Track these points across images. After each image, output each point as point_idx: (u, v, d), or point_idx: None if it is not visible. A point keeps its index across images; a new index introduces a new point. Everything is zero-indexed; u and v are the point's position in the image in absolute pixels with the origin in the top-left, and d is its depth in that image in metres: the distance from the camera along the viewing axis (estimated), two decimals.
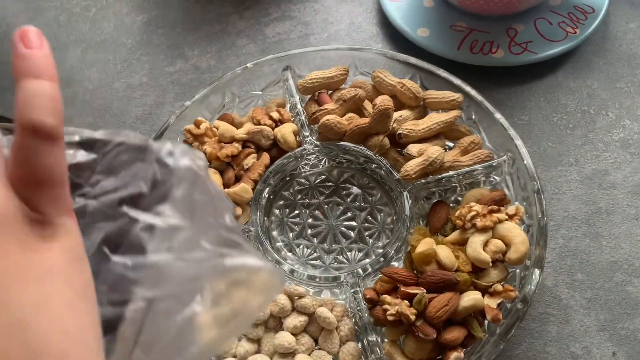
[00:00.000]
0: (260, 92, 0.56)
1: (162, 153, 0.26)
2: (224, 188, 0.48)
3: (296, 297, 0.43)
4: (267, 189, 0.49)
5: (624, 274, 0.46)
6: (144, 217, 0.25)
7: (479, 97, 0.50)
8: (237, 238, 0.27)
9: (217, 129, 0.51)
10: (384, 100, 0.49)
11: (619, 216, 0.49)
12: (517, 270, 0.44)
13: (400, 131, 0.49)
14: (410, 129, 0.49)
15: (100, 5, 0.69)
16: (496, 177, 0.49)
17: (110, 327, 0.24)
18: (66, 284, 0.22)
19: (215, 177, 0.48)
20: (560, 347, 0.44)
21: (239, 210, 0.47)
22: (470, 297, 0.41)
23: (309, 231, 0.50)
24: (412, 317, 0.40)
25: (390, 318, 0.41)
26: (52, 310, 0.21)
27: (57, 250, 0.23)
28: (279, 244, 0.49)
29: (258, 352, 0.43)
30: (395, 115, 0.50)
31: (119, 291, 0.24)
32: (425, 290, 0.41)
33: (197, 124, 0.51)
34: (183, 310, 0.25)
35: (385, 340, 0.43)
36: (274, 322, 0.44)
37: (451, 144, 0.51)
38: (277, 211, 0.51)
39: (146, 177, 0.26)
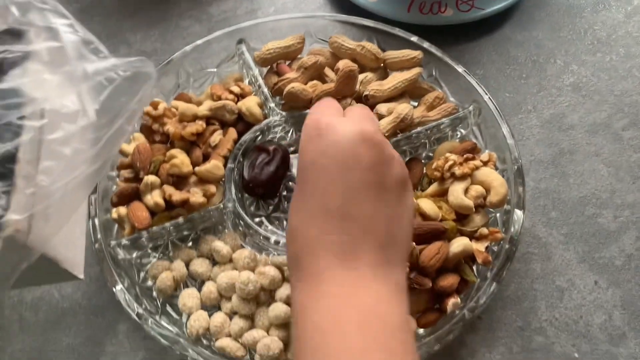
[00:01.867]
0: (215, 69, 0.54)
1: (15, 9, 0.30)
2: (193, 167, 0.46)
3: (285, 268, 0.42)
4: (238, 165, 0.47)
5: (593, 207, 0.48)
6: (17, 48, 0.29)
7: (439, 53, 0.51)
8: (100, 47, 0.31)
9: (177, 109, 0.49)
10: (347, 63, 0.48)
11: (581, 155, 0.51)
12: (498, 215, 0.45)
13: (367, 92, 0.49)
14: (377, 89, 0.49)
15: None
16: (462, 130, 0.50)
17: (6, 163, 0.27)
18: None
19: (181, 157, 0.46)
20: (546, 283, 0.45)
21: (213, 189, 0.45)
22: (460, 243, 0.41)
23: (286, 204, 0.49)
24: (406, 270, 0.40)
25: None
26: None
27: None
28: (258, 219, 0.47)
29: (252, 327, 0.41)
30: (360, 77, 0.50)
31: (7, 130, 0.27)
32: (414, 243, 0.41)
33: (155, 105, 0.49)
34: (72, 127, 0.28)
35: None
36: (266, 296, 0.42)
37: (415, 103, 0.51)
38: None
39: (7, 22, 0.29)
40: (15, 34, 0.29)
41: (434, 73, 0.52)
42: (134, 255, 0.45)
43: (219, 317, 0.42)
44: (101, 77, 0.29)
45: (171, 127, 0.47)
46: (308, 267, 0.30)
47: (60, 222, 0.29)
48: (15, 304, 0.45)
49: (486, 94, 0.48)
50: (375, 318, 0.28)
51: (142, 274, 0.44)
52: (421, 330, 0.41)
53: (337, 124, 0.32)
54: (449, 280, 0.41)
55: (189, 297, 0.42)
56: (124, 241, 0.43)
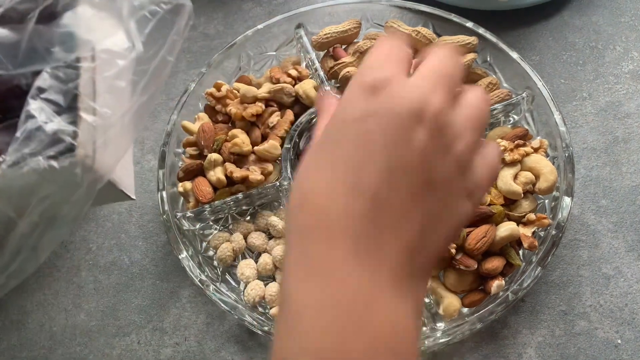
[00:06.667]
0: (274, 53, 0.56)
1: None
2: (252, 147, 0.49)
3: None
4: (294, 145, 0.50)
5: None
6: None
7: (494, 39, 0.51)
8: None
9: (238, 91, 0.52)
10: None
11: (635, 143, 0.51)
12: (547, 201, 0.46)
13: None
14: None
15: None
16: (515, 116, 0.51)
17: (70, 100, 0.30)
18: None
19: (242, 137, 0.49)
20: (592, 270, 0.46)
21: (270, 167, 0.48)
22: (507, 227, 0.43)
23: None
24: (453, 251, 0.42)
25: None
26: None
27: None
28: None
29: None
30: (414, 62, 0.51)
31: (67, 70, 0.30)
32: None
33: (218, 87, 0.52)
34: (123, 62, 0.31)
35: None
36: None
37: None
38: None
39: None
40: None
41: (488, 59, 0.52)
42: (198, 226, 0.48)
43: (273, 287, 0.45)
44: (145, 11, 0.31)
45: (233, 108, 0.50)
46: (318, 254, 0.24)
47: (120, 149, 0.32)
48: (91, 266, 0.50)
49: (540, 80, 0.48)
50: (387, 351, 0.23)
51: (204, 244, 0.48)
52: (465, 310, 0.43)
53: (398, 87, 0.25)
54: (495, 263, 0.42)
55: (246, 267, 0.46)
56: (189, 213, 0.47)
